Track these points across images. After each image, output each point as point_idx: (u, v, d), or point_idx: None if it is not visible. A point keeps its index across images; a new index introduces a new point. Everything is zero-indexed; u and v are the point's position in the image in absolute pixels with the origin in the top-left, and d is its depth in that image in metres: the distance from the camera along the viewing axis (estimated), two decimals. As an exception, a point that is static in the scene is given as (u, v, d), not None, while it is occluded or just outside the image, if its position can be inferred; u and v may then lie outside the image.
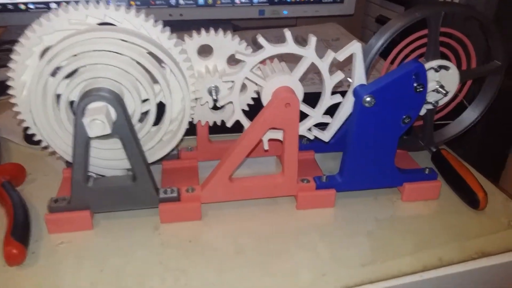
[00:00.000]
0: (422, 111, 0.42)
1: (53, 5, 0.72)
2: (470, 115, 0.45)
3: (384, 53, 0.42)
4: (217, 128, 0.45)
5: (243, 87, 0.41)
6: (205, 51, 0.40)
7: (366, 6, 0.94)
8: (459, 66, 0.42)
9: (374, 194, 0.44)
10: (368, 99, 0.37)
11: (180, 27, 0.40)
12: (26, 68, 0.36)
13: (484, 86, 0.44)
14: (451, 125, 0.46)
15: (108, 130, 0.34)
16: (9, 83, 0.37)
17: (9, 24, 0.73)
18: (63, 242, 0.37)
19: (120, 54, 0.36)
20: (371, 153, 0.40)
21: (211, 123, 0.44)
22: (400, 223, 0.41)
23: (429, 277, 0.36)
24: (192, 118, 0.43)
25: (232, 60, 0.40)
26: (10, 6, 0.70)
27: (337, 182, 0.42)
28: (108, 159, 0.40)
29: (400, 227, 0.40)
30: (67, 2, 0.36)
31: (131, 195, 0.39)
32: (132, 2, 0.73)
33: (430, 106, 0.42)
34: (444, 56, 0.41)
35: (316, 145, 0.48)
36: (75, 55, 0.35)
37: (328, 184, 0.42)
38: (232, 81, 0.38)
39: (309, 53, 0.37)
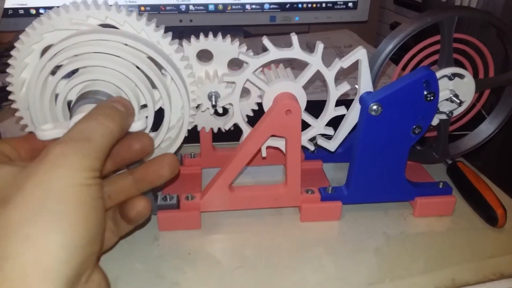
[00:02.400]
0: (435, 121, 0.40)
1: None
2: (487, 127, 0.42)
3: (396, 59, 0.40)
4: (222, 137, 0.44)
5: (247, 92, 0.40)
6: (205, 56, 0.39)
7: (380, 12, 0.91)
8: (475, 74, 0.40)
9: (384, 208, 0.42)
10: (374, 107, 0.35)
11: (190, 33, 0.39)
12: (26, 65, 0.36)
13: (503, 96, 0.42)
14: (467, 137, 0.43)
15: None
16: (8, 79, 0.36)
17: (20, 29, 0.74)
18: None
19: (121, 58, 0.35)
20: (379, 164, 0.38)
21: (215, 130, 0.43)
22: (410, 240, 0.38)
23: None
24: (196, 125, 0.42)
25: (235, 65, 0.39)
26: (21, 11, 0.71)
27: (343, 194, 0.40)
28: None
29: (411, 244, 0.38)
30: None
31: (129, 201, 0.38)
32: (142, 8, 0.73)
33: (443, 116, 0.40)
34: (460, 64, 0.39)
35: (324, 154, 0.46)
36: (76, 55, 0.35)
37: (334, 195, 0.40)
38: (233, 83, 0.37)
39: (315, 60, 0.36)
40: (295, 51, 0.35)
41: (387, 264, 0.36)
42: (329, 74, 0.36)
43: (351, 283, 0.34)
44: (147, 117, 0.37)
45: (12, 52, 0.36)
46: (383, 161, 0.38)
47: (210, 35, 0.38)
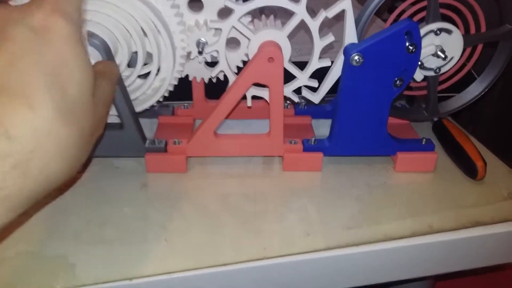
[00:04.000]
0: (419, 76, 0.40)
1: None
2: (477, 87, 0.42)
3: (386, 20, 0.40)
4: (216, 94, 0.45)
5: (237, 43, 0.41)
6: (196, 6, 0.40)
7: None
8: (468, 31, 0.39)
9: (368, 161, 0.43)
10: (356, 57, 0.36)
11: None
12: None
13: (494, 56, 0.41)
14: (457, 97, 0.43)
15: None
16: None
17: None
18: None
19: (115, 5, 0.36)
20: (361, 117, 0.39)
21: (206, 80, 0.44)
22: (392, 190, 0.40)
23: (416, 243, 0.34)
24: (187, 75, 0.43)
25: (224, 15, 0.40)
26: None
27: (325, 145, 0.41)
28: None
29: (392, 194, 0.39)
30: None
31: (119, 142, 0.40)
32: None
33: (431, 73, 0.40)
34: (449, 20, 0.38)
35: (314, 110, 0.47)
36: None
37: (316, 147, 0.41)
38: (219, 29, 0.38)
39: (299, 9, 0.36)
40: None
41: (367, 211, 0.37)
42: (314, 24, 0.37)
43: (330, 227, 0.35)
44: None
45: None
46: (365, 113, 0.39)
47: None
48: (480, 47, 0.41)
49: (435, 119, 0.44)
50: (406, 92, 0.43)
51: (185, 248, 0.33)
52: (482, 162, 0.39)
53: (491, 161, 0.41)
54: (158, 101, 0.43)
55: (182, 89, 0.43)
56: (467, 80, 0.43)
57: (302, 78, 0.39)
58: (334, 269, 0.34)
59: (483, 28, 0.40)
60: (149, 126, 0.46)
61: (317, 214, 0.37)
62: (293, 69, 0.39)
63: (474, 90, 0.42)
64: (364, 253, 0.34)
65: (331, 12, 0.36)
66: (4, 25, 0.24)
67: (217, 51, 0.39)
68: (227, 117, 0.39)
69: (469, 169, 0.40)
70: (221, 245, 0.33)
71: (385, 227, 0.36)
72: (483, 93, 0.42)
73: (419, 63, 0.39)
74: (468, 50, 0.40)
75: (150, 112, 0.45)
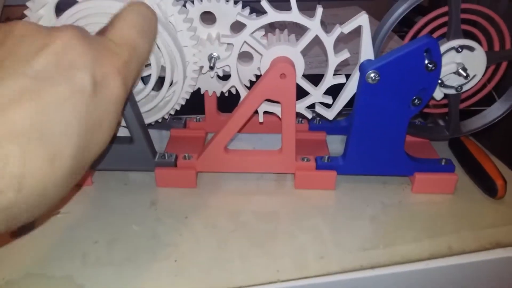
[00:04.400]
0: (438, 95, 0.38)
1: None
2: (499, 107, 0.40)
3: (404, 36, 0.38)
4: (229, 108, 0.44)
5: (249, 57, 0.40)
6: (210, 19, 0.40)
7: None
8: (491, 48, 0.37)
9: (384, 180, 0.41)
10: (372, 74, 0.34)
11: None
12: (40, 17, 0.37)
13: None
14: (478, 116, 0.41)
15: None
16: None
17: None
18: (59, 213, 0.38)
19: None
20: (377, 135, 0.37)
21: (218, 93, 0.43)
22: (408, 209, 0.38)
23: (436, 266, 0.33)
24: (199, 88, 0.43)
25: (237, 29, 0.39)
26: None
27: (339, 164, 0.39)
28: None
29: (408, 213, 0.38)
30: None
31: (128, 156, 0.40)
32: None
33: (452, 91, 0.38)
34: (472, 37, 0.37)
35: (329, 126, 0.46)
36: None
37: (329, 165, 0.39)
38: (231, 44, 0.37)
39: (313, 25, 0.35)
40: (294, 14, 0.35)
41: (383, 231, 0.36)
42: (328, 40, 0.36)
43: (344, 248, 0.34)
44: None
45: (27, 3, 0.37)
46: (381, 132, 0.37)
47: None
48: (504, 65, 0.39)
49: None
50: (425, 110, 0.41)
51: (196, 270, 0.32)
52: (502, 181, 0.37)
53: (509, 177, 0.39)
54: (170, 114, 0.42)
55: (195, 102, 0.42)
56: (491, 97, 0.41)
57: (316, 94, 0.38)
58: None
59: (508, 45, 0.38)
60: (160, 139, 0.46)
61: (331, 234, 0.35)
62: (306, 85, 0.38)
63: (497, 109, 0.40)
64: (381, 276, 0.32)
65: (347, 27, 0.35)
66: (74, 64, 0.23)
67: (229, 66, 0.38)
68: (238, 131, 0.38)
69: (489, 188, 0.38)
70: (232, 266, 0.32)
71: (402, 248, 0.34)
72: (507, 112, 0.40)
73: (439, 81, 0.37)
74: (492, 67, 0.39)
75: (162, 124, 0.45)
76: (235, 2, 0.38)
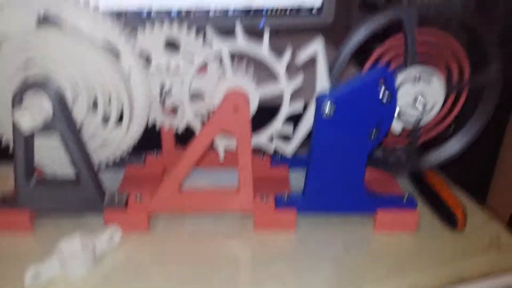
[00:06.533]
0: (397, 128, 0.37)
1: None
2: (456, 143, 0.39)
3: (362, 62, 0.38)
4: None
5: (203, 93, 0.39)
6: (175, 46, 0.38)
7: (347, 17, 0.90)
8: (449, 78, 0.37)
9: (345, 217, 0.39)
10: (327, 107, 0.33)
11: None
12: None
13: (479, 106, 0.38)
14: (439, 151, 0.40)
15: (37, 122, 0.32)
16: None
17: None
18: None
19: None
20: (335, 171, 0.36)
21: (167, 127, 0.41)
22: (371, 248, 0.37)
23: None
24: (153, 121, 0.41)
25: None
26: None
27: (299, 201, 0.37)
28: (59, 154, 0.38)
29: (371, 253, 0.36)
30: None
31: (74, 198, 0.37)
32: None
33: (411, 124, 0.37)
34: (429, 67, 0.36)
35: (291, 160, 0.44)
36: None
37: (289, 203, 0.37)
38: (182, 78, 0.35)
39: (261, 50, 0.34)
40: (239, 42, 0.34)
41: (346, 273, 0.34)
42: (279, 66, 0.34)
43: None
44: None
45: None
46: (340, 167, 0.36)
47: (185, 26, 0.36)
48: (464, 96, 0.38)
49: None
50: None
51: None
52: (462, 213, 0.37)
53: (470, 208, 0.39)
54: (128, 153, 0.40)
55: (154, 136, 0.40)
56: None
57: (276, 124, 0.36)
58: None
59: (467, 74, 0.37)
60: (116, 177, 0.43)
61: (294, 280, 0.33)
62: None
63: (456, 143, 0.39)
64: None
65: (302, 56, 0.34)
66: None
67: (182, 100, 0.36)
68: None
69: (449, 220, 0.38)
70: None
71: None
72: (465, 147, 0.39)
73: (397, 113, 0.36)
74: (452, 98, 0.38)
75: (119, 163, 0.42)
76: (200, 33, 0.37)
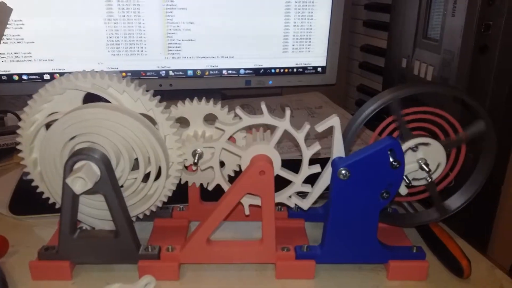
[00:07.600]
0: (403, 191, 0.41)
1: (46, 76, 0.73)
2: (457, 199, 0.43)
3: (373, 124, 0.42)
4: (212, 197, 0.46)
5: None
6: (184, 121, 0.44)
7: (347, 75, 0.98)
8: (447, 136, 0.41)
9: (359, 266, 0.43)
10: (343, 171, 0.37)
11: (170, 97, 0.44)
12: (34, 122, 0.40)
13: (478, 165, 0.43)
14: (440, 206, 0.44)
15: (89, 186, 0.36)
16: (18, 139, 0.41)
17: (3, 94, 0.77)
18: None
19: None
20: (351, 226, 0.40)
21: (197, 185, 0.46)
22: None
23: None
24: (187, 181, 0.45)
25: (211, 120, 0.43)
26: (4, 77, 0.74)
27: (317, 253, 0.41)
28: (100, 209, 0.42)
29: None
30: (61, 74, 0.40)
31: (112, 249, 0.41)
32: (123, 74, 0.76)
33: (424, 182, 0.42)
34: (429, 132, 0.41)
35: (307, 214, 0.48)
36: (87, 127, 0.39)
37: (308, 254, 0.41)
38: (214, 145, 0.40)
39: (284, 125, 0.39)
40: (265, 118, 0.39)
41: None
42: (299, 136, 0.40)
43: None
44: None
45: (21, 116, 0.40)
46: (355, 223, 0.40)
47: (187, 101, 0.43)
48: (463, 148, 0.42)
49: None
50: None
51: None
52: (466, 261, 0.40)
53: (473, 257, 0.42)
54: (158, 207, 0.44)
55: (179, 191, 0.44)
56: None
57: (297, 183, 0.41)
58: None
59: (460, 129, 0.41)
60: (141, 229, 0.47)
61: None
62: (288, 175, 0.41)
63: (457, 199, 0.43)
64: None
65: (321, 127, 0.39)
66: None
67: (212, 167, 0.41)
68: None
69: (455, 269, 0.41)
70: None
71: None
72: (466, 203, 0.43)
73: (408, 180, 0.40)
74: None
75: (148, 216, 0.46)
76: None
